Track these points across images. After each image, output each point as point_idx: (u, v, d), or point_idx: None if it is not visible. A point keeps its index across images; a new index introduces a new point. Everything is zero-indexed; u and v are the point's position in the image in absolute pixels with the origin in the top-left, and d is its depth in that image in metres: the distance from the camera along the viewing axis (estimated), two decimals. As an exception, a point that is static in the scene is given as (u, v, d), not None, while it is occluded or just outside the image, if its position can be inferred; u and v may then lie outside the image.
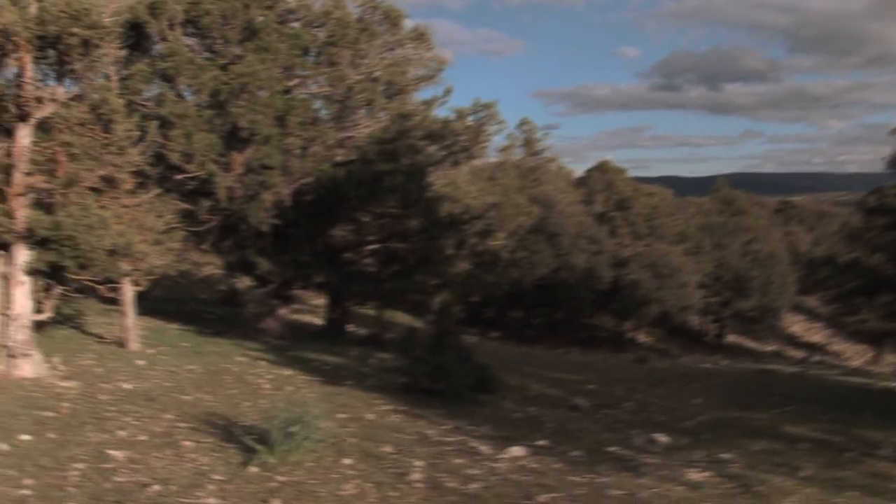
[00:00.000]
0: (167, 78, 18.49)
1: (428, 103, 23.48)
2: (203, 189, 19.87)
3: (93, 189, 14.49)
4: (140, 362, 15.74)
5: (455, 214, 22.26)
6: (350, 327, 27.42)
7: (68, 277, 13.85)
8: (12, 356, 13.42)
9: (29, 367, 13.54)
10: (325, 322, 27.18)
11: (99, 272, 14.09)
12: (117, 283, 16.98)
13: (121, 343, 18.05)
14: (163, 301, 29.51)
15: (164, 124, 18.06)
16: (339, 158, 21.49)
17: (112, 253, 14.01)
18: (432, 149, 22.88)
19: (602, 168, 71.25)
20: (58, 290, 14.49)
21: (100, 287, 14.67)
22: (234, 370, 16.02)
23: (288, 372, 16.45)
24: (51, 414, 10.80)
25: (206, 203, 19.82)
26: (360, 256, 24.46)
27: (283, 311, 23.29)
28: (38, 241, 13.52)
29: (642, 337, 46.74)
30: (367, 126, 21.23)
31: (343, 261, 24.43)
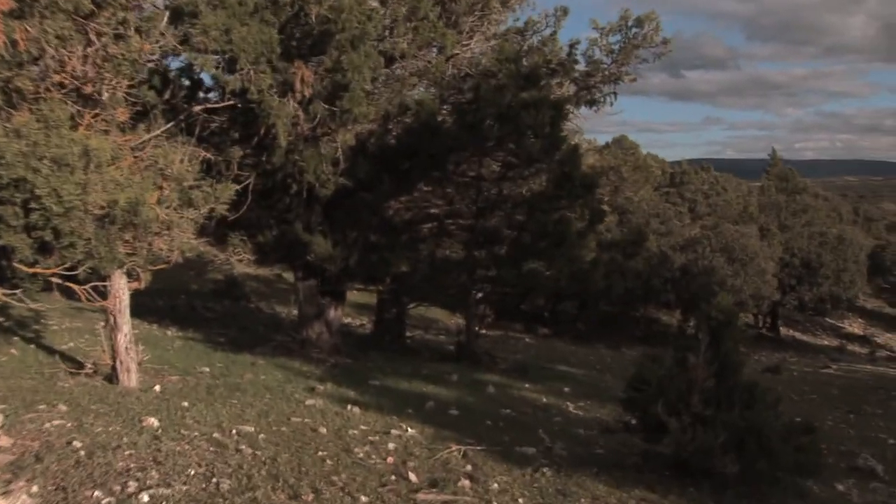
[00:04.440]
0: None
1: (534, 23, 16.39)
2: (235, 128, 12.80)
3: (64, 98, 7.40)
4: (152, 420, 8.63)
5: (591, 174, 15.32)
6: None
7: (16, 269, 6.70)
8: None
9: (-65, 458, 6.44)
10: (375, 324, 20.14)
11: (81, 259, 7.00)
12: (105, 277, 9.86)
13: (109, 374, 10.94)
14: (143, 293, 21.88)
15: (178, 16, 10.91)
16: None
17: (106, 221, 6.92)
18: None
19: (621, 143, 64.61)
20: (-3, 292, 7.38)
21: (76, 287, 7.61)
22: (321, 432, 8.97)
23: (410, 430, 9.43)
24: None
25: (237, 151, 12.70)
26: (437, 234, 17.46)
27: (334, 314, 16.21)
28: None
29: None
30: (478, 41, 14.15)
31: (405, 241, 17.42)
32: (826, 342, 49.06)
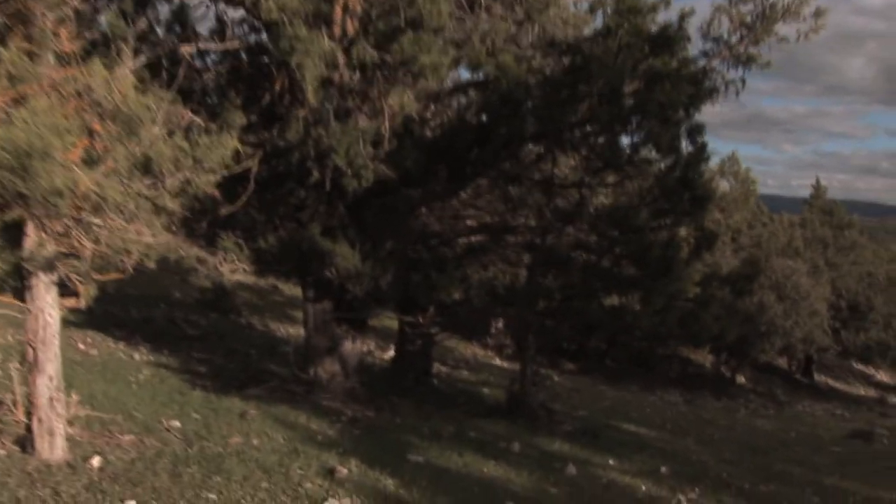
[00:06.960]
0: None
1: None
2: (237, 86, 9.07)
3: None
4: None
5: (709, 184, 11.65)
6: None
7: None
8: None
9: None
10: (395, 358, 16.34)
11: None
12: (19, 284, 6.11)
13: (23, 439, 7.11)
14: (113, 298, 17.46)
15: None
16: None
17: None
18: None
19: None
20: None
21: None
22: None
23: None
24: None
25: (239, 116, 8.93)
26: (482, 252, 13.72)
27: (351, 349, 12.40)
28: None
29: (741, 377, 36.18)
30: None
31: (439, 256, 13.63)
32: (862, 391, 45.53)
